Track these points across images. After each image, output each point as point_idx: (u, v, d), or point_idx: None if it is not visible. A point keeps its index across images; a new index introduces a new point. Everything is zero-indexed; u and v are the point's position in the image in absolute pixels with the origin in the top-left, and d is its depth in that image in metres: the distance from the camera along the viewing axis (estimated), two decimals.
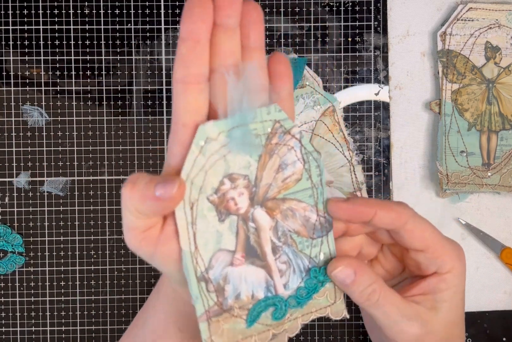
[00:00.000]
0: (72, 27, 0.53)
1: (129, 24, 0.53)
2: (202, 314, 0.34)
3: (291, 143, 0.35)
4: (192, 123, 0.31)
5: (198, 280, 0.34)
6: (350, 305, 0.54)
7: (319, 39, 0.53)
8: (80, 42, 0.53)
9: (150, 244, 0.32)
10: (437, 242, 0.37)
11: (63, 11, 0.53)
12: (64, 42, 0.53)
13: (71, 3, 0.53)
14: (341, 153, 0.53)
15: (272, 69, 0.33)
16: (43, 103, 0.53)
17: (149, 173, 0.32)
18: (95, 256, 0.54)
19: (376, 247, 0.40)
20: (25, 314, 0.53)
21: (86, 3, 0.53)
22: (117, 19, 0.53)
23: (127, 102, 0.54)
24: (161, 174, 0.32)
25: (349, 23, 0.54)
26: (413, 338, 0.36)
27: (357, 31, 0.54)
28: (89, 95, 0.53)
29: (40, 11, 0.53)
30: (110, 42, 0.53)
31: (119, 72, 0.53)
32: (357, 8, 0.54)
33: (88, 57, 0.53)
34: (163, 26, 0.53)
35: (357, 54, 0.54)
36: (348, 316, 0.37)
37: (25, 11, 0.53)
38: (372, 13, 0.54)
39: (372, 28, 0.54)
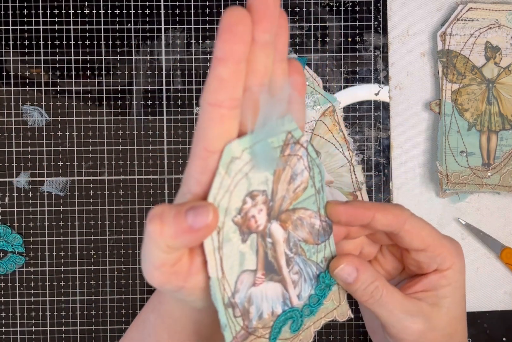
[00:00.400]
0: (72, 27, 0.53)
1: (129, 24, 0.53)
2: (230, 341, 0.32)
3: (300, 152, 0.34)
4: (222, 148, 0.28)
5: (225, 307, 0.32)
6: (351, 305, 0.54)
7: (319, 39, 0.53)
8: (80, 42, 0.53)
9: (180, 278, 0.29)
10: (436, 240, 0.38)
11: (63, 11, 0.53)
12: (64, 42, 0.53)
13: (71, 3, 0.53)
14: (341, 153, 0.53)
15: (291, 80, 0.31)
16: (43, 103, 0.53)
17: (170, 204, 0.29)
18: (95, 256, 0.54)
19: (376, 247, 0.40)
20: (25, 314, 0.53)
21: (86, 3, 0.53)
22: (117, 19, 0.53)
23: (127, 102, 0.54)
24: (185, 201, 0.29)
25: (349, 23, 0.54)
26: (417, 334, 0.37)
27: (357, 31, 0.54)
28: (89, 95, 0.53)
29: (40, 11, 0.53)
30: (110, 42, 0.53)
31: (119, 72, 0.53)
32: (357, 8, 0.54)
33: (88, 57, 0.53)
34: (163, 26, 0.53)
35: (357, 54, 0.54)
36: (352, 316, 0.37)
37: (25, 11, 0.53)
38: (372, 13, 0.54)
39: (372, 28, 0.54)
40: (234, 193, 0.31)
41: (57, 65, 0.53)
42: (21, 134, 0.53)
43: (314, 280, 0.37)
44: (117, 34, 0.53)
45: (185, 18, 0.53)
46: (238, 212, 0.31)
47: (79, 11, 0.53)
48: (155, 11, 0.53)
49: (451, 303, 0.38)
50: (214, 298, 0.31)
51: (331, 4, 0.54)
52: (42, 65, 0.53)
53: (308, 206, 0.36)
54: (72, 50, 0.53)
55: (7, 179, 0.53)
